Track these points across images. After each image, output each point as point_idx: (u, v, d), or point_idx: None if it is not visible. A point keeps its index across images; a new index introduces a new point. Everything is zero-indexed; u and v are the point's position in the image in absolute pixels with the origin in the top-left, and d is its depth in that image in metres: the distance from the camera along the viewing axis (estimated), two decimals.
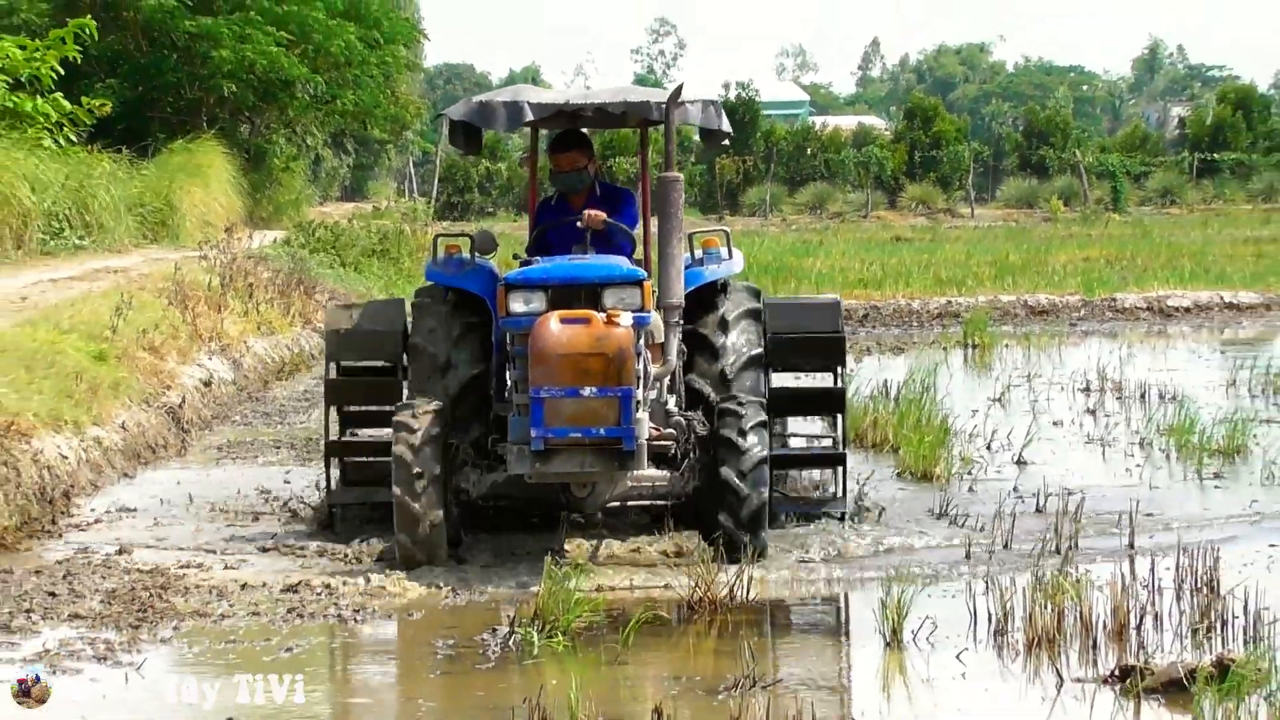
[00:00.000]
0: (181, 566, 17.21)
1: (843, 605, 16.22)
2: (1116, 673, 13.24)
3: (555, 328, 15.92)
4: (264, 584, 16.43)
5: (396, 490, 16.44)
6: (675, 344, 17.39)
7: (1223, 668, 12.84)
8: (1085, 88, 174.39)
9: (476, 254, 18.26)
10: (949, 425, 22.95)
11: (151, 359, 27.02)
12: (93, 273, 35.88)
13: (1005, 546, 17.49)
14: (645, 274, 16.88)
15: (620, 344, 15.84)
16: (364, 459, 19.48)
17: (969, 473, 21.34)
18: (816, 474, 20.28)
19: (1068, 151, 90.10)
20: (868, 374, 28.51)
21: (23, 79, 45.12)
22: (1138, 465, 22.34)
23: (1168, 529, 17.96)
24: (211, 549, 18.11)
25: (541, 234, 18.34)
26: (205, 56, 58.47)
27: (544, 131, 21.08)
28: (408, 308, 19.31)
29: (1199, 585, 15.46)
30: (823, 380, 20.05)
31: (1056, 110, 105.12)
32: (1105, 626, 14.40)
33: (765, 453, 16.71)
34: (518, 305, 16.57)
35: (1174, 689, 12.77)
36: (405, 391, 18.53)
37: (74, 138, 46.02)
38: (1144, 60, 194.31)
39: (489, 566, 17.21)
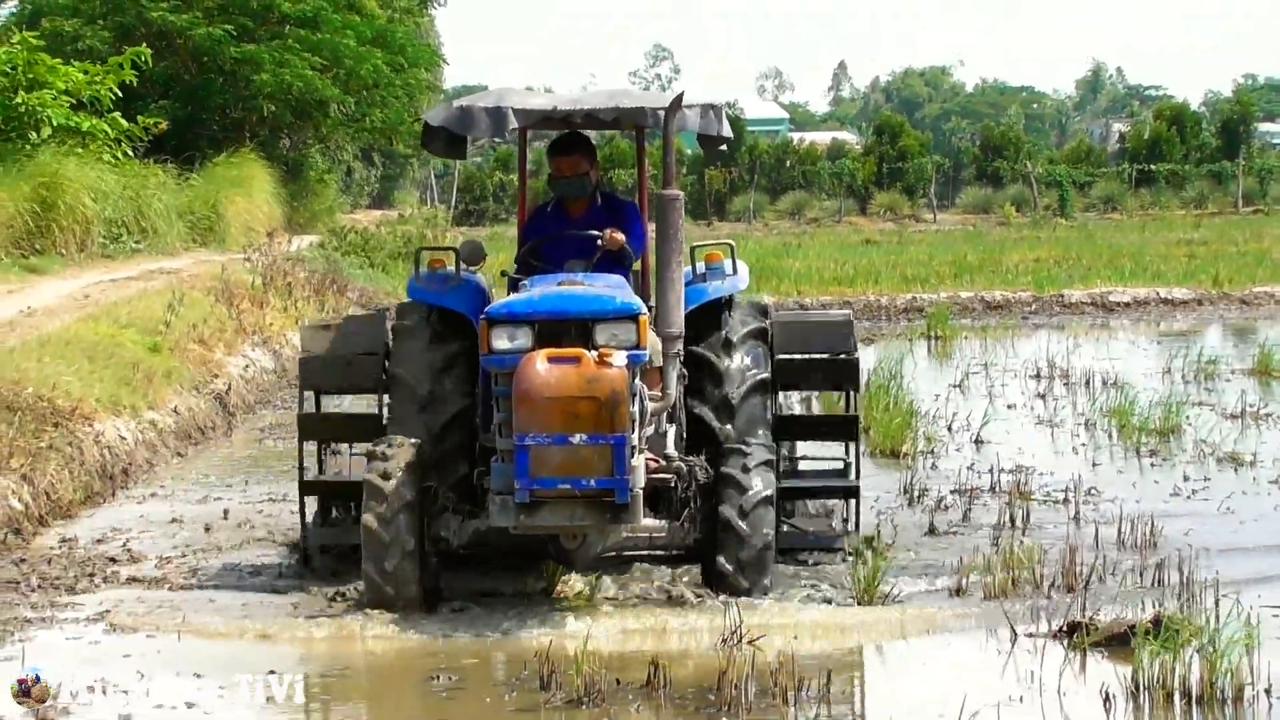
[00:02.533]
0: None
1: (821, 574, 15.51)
2: (1065, 628, 13.28)
3: (542, 368, 13.02)
4: None
5: (366, 518, 13.59)
6: (675, 376, 14.33)
7: (1159, 622, 12.91)
8: (1035, 106, 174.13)
9: (464, 265, 15.25)
10: (914, 408, 22.95)
11: (201, 350, 27.06)
12: (148, 273, 35.90)
13: (964, 519, 17.49)
14: (641, 308, 13.73)
15: (613, 386, 12.96)
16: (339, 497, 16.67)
17: (932, 451, 21.37)
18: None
19: (1019, 163, 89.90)
20: None
21: (85, 100, 45.26)
22: (1083, 444, 22.36)
23: (1110, 501, 17.94)
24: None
25: (536, 246, 15.29)
26: (248, 80, 58.56)
27: (532, 136, 18.23)
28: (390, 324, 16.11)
29: (1137, 550, 15.48)
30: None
31: (1009, 126, 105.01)
32: (1054, 587, 14.44)
33: (770, 492, 13.90)
34: (501, 342, 13.50)
35: (1116, 643, 12.82)
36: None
37: (130, 152, 46.07)
38: (1087, 81, 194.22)
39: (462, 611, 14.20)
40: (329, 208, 67.26)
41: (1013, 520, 17.09)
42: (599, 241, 14.90)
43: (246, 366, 28.40)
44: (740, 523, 13.72)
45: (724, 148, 16.05)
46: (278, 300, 34.31)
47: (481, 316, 13.86)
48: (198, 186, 49.76)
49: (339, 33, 59.46)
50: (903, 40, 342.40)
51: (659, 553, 14.87)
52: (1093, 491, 18.56)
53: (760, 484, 13.82)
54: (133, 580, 15.84)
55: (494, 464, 13.71)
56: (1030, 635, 13.25)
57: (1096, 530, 16.52)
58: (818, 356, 16.53)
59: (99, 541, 17.42)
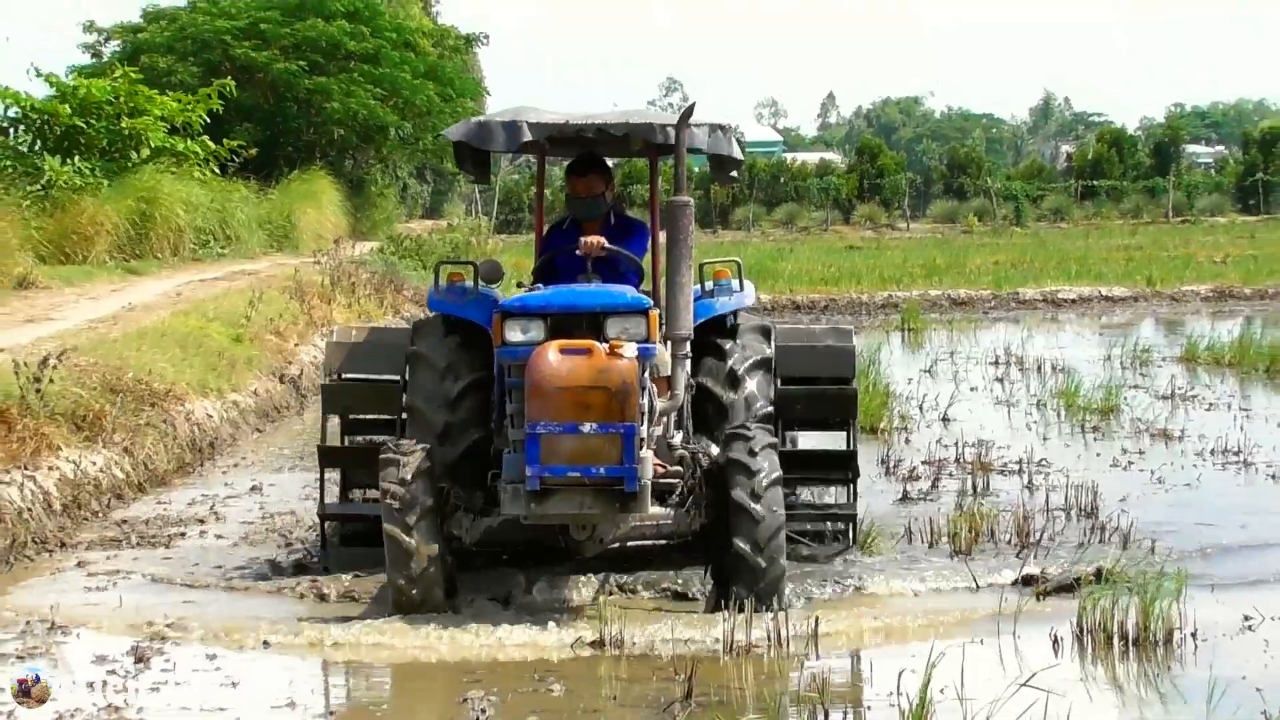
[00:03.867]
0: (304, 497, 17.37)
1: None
2: (1019, 580, 13.29)
3: (554, 358, 11.75)
4: None
5: (387, 526, 12.09)
6: (683, 378, 12.80)
7: (1101, 575, 12.91)
8: (994, 130, 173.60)
9: (482, 282, 13.78)
10: (890, 391, 22.90)
11: (277, 340, 27.09)
12: (231, 274, 36.02)
13: (933, 486, 17.46)
14: (651, 303, 12.63)
15: (624, 377, 11.65)
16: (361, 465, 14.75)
17: (906, 428, 21.33)
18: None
19: (981, 180, 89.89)
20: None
21: (178, 125, 45.44)
22: (1035, 422, 22.32)
23: (1058, 471, 17.91)
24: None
25: (549, 260, 13.90)
26: (319, 108, 58.87)
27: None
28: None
29: (1082, 514, 15.47)
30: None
31: (972, 148, 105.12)
32: (1010, 545, 14.43)
33: (777, 473, 12.23)
34: (515, 334, 12.38)
35: (1063, 592, 12.86)
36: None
37: (217, 170, 46.27)
38: (1039, 109, 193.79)
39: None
40: (387, 218, 67.43)
41: (975, 488, 17.09)
42: (576, 251, 13.40)
43: (316, 355, 28.39)
44: (753, 504, 11.96)
45: (735, 173, 14.52)
46: (343, 297, 34.35)
47: (496, 310, 12.73)
48: (275, 200, 50.02)
49: (397, 68, 59.91)
50: (881, 74, 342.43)
51: (665, 541, 13.20)
52: (1043, 462, 18.52)
53: (768, 465, 12.14)
54: (218, 537, 15.89)
55: (506, 455, 12.33)
56: (990, 586, 13.23)
57: (1046, 496, 16.51)
58: (818, 391, 14.67)
59: (190, 505, 17.45)
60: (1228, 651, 11.39)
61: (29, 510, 15.75)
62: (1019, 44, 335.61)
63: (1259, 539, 14.84)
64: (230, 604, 13.22)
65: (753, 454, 12.16)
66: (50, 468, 16.78)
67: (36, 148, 42.72)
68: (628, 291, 12.73)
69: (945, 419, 22.23)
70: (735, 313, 14.11)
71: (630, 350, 11.88)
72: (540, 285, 13.36)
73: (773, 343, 14.32)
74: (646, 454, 11.93)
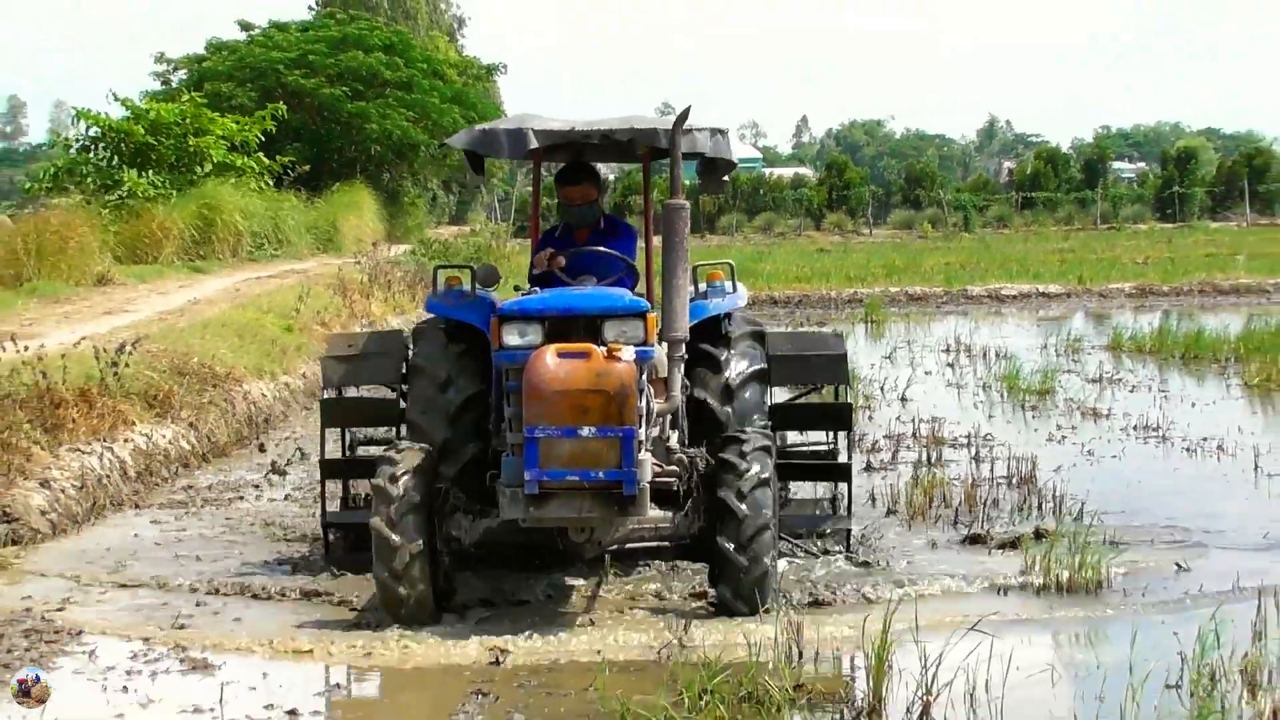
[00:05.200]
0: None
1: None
2: (968, 539, 13.28)
3: (552, 362, 10.45)
4: None
5: (374, 521, 10.74)
6: (679, 379, 11.59)
7: (1039, 534, 12.92)
8: (946, 149, 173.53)
9: (479, 286, 12.45)
10: (855, 374, 22.85)
11: (322, 330, 27.04)
12: (283, 273, 36.01)
13: (893, 458, 17.44)
14: (649, 305, 11.27)
15: (622, 380, 10.37)
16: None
17: (869, 407, 21.26)
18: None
19: (934, 192, 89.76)
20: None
21: (237, 143, 45.55)
22: (981, 401, 22.27)
23: (1001, 445, 17.89)
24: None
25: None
26: (360, 128, 59.02)
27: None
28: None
29: (1022, 481, 15.45)
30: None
31: (927, 164, 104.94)
32: (960, 507, 14.40)
33: (767, 474, 10.94)
34: (513, 338, 11.03)
35: (1007, 548, 12.83)
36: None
37: (270, 183, 46.38)
38: (985, 130, 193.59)
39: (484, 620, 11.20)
40: (418, 224, 67.49)
41: (929, 459, 17.06)
42: (533, 270, 12.27)
43: None
44: (738, 503, 10.70)
45: (725, 178, 12.97)
46: (380, 293, 34.45)
47: (494, 314, 11.29)
48: (320, 208, 50.12)
49: (427, 94, 60.15)
50: (849, 100, 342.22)
51: (665, 544, 11.77)
52: (988, 437, 18.49)
53: (758, 467, 10.84)
54: (270, 500, 15.91)
55: (505, 458, 10.90)
56: (942, 544, 13.23)
57: (991, 466, 16.49)
58: (811, 404, 14.04)
59: (248, 472, 17.46)
60: (1150, 599, 11.39)
61: (107, 476, 15.81)
62: (968, 75, 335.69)
63: (1177, 503, 14.82)
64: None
65: (743, 455, 10.89)
66: (126, 440, 16.82)
67: (114, 163, 42.98)
68: (625, 294, 11.32)
69: (903, 399, 22.20)
70: (729, 315, 12.73)
71: (628, 353, 10.59)
72: (536, 289, 11.85)
73: (766, 348, 12.89)
74: (645, 457, 10.64)
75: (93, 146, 44.38)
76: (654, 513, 10.99)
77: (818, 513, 13.65)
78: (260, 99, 54.34)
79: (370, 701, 9.97)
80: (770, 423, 12.58)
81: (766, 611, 10.47)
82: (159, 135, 43.41)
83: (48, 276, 28.85)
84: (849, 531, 13.06)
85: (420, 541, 10.68)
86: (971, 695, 8.97)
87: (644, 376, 10.84)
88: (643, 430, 10.64)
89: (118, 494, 15.73)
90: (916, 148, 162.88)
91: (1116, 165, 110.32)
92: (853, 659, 9.64)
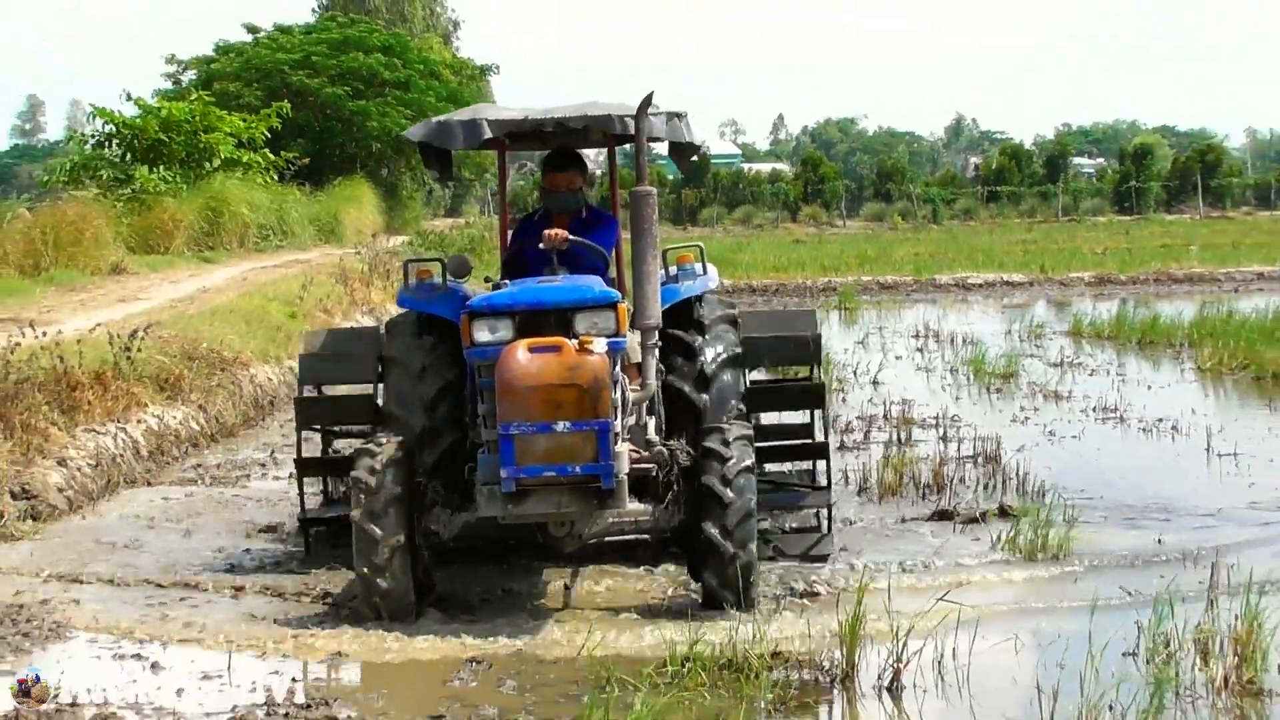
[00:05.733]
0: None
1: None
2: (937, 514, 13.27)
3: (524, 357, 9.73)
4: None
5: (355, 514, 10.12)
6: (654, 366, 10.75)
7: (1003, 510, 12.93)
8: (915, 145, 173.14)
9: (450, 278, 11.62)
10: (830, 359, 22.85)
11: (325, 317, 27.03)
12: (287, 263, 36.01)
13: (865, 438, 17.43)
14: (620, 296, 10.48)
15: (595, 373, 9.66)
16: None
17: (842, 390, 21.26)
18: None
19: (904, 186, 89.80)
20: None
21: (244, 140, 45.52)
22: (949, 384, 22.29)
23: (968, 425, 17.90)
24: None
25: (519, 252, 11.66)
26: (360, 126, 59.03)
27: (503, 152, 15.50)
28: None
29: (987, 460, 15.45)
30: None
31: (898, 160, 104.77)
32: (929, 485, 14.40)
33: (749, 461, 10.35)
34: (483, 334, 10.19)
35: (972, 524, 12.83)
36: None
37: (276, 177, 46.38)
38: (953, 127, 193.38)
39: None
40: (415, 216, 67.44)
41: (899, 439, 17.05)
42: (540, 245, 11.29)
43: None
44: (723, 488, 10.08)
45: (695, 159, 12.45)
46: (379, 281, 34.34)
47: (463, 310, 10.41)
48: (323, 201, 50.13)
49: (424, 93, 60.15)
50: (824, 99, 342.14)
51: (645, 536, 11.37)
52: (955, 418, 18.48)
53: (740, 454, 10.24)
54: (275, 478, 15.88)
55: (481, 456, 10.21)
56: (914, 519, 13.23)
57: (958, 445, 16.49)
58: (785, 382, 13.25)
59: (254, 452, 17.43)
60: (1108, 572, 11.40)
61: (121, 455, 15.81)
62: (936, 74, 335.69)
63: (1134, 480, 14.83)
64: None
65: (726, 443, 10.28)
66: (138, 421, 16.82)
67: (128, 158, 43.05)
68: (595, 285, 10.46)
69: (875, 382, 22.20)
70: (700, 297, 11.96)
71: (600, 345, 9.82)
72: (507, 281, 11.17)
73: (739, 331, 12.07)
74: (621, 449, 9.95)
75: (107, 143, 44.47)
76: (634, 505, 10.31)
77: (798, 489, 12.90)
78: (266, 98, 54.38)
79: (355, 686, 9.18)
80: (744, 408, 11.77)
81: (751, 605, 10.06)
82: (170, 132, 43.45)
83: (65, 266, 28.86)
84: (830, 506, 12.44)
85: (401, 535, 10.07)
86: (939, 663, 8.99)
87: (617, 367, 10.10)
88: (618, 421, 9.97)
89: (131, 472, 15.72)
90: (887, 144, 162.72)
91: (1077, 161, 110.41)
92: (828, 629, 9.62)
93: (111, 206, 35.12)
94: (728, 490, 10.09)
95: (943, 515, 13.21)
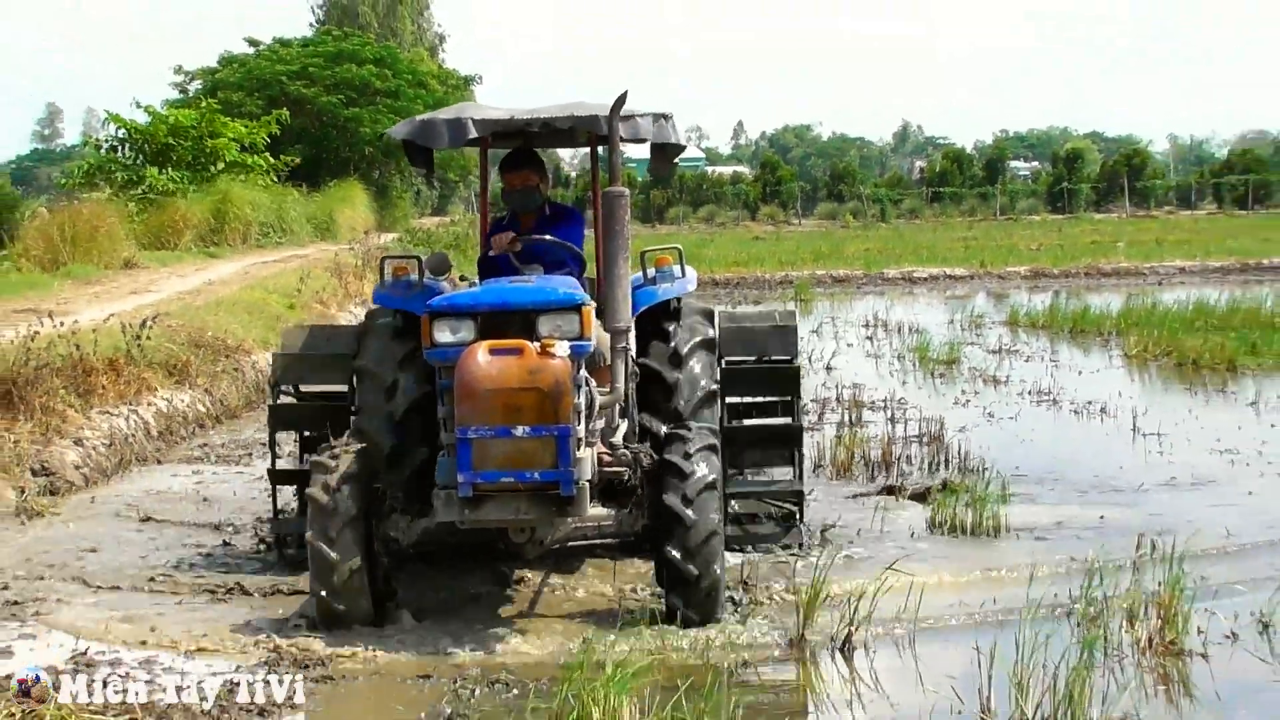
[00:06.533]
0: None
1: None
2: (885, 489, 13.29)
3: (483, 360, 8.68)
4: None
5: (310, 535, 9.03)
6: (623, 370, 9.69)
7: (945, 485, 12.94)
8: (866, 150, 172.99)
9: (429, 274, 10.65)
10: None
11: (320, 308, 26.98)
12: (286, 258, 35.88)
13: (819, 419, 17.44)
14: (583, 298, 9.33)
15: (556, 377, 8.62)
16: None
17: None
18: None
19: (855, 187, 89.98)
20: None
21: (246, 144, 45.43)
22: (896, 370, 22.30)
23: (913, 408, 17.91)
24: None
25: (491, 257, 10.73)
26: (354, 132, 58.86)
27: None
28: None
29: (931, 440, 15.47)
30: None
31: (849, 164, 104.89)
32: (878, 463, 14.42)
33: (714, 476, 9.15)
34: (444, 335, 9.14)
35: (918, 498, 12.84)
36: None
37: (276, 179, 46.29)
38: (900, 133, 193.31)
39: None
40: (405, 215, 67.34)
41: (850, 420, 17.05)
42: (489, 252, 10.70)
43: (352, 318, 28.28)
44: (685, 509, 8.95)
45: (676, 160, 11.36)
46: (371, 275, 34.23)
47: (424, 310, 9.33)
48: (319, 201, 50.01)
49: (413, 101, 59.90)
50: (781, 107, 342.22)
51: (610, 541, 10.55)
52: (902, 401, 18.50)
53: (704, 469, 9.11)
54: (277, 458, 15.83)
55: (440, 459, 9.28)
56: (864, 494, 13.24)
57: (905, 426, 16.49)
58: (761, 366, 11.73)
59: (256, 433, 17.38)
60: (1042, 541, 11.43)
61: (133, 435, 15.78)
62: (884, 84, 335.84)
63: (1066, 458, 14.87)
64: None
65: (687, 456, 9.13)
66: (149, 403, 16.79)
67: (139, 161, 42.97)
68: (560, 287, 9.41)
69: (829, 368, 22.20)
70: (678, 302, 11.02)
71: (562, 349, 8.81)
72: (475, 282, 10.54)
73: (715, 325, 11.23)
74: (584, 454, 8.91)
75: (120, 147, 44.45)
76: (596, 510, 9.23)
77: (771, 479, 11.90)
78: (266, 105, 54.25)
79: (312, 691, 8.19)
80: (717, 387, 10.90)
81: (718, 622, 9.03)
82: (178, 137, 43.39)
83: (80, 261, 28.77)
84: (801, 494, 11.46)
85: (358, 557, 9.01)
86: (887, 626, 9.04)
87: (580, 371, 9.07)
88: (581, 427, 8.92)
89: (142, 450, 15.71)
90: (840, 149, 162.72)
91: (1013, 164, 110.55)
92: (785, 596, 9.64)
93: (124, 206, 35.05)
94: (689, 510, 8.95)
95: (890, 490, 13.22)
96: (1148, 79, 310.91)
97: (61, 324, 16.80)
